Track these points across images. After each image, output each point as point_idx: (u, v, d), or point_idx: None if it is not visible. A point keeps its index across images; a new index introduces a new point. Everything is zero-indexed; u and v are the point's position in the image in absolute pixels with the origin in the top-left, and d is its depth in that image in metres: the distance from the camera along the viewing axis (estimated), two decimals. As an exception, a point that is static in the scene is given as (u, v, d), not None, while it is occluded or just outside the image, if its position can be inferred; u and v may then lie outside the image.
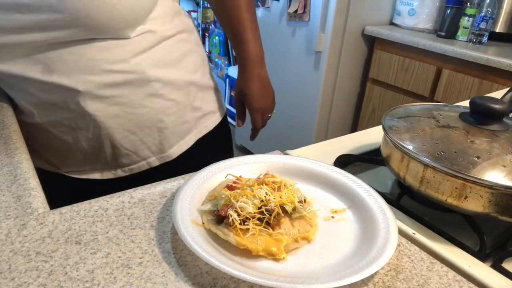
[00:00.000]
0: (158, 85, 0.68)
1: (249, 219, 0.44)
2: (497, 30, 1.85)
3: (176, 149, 0.76)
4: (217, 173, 0.54)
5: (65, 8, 0.55)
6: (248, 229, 0.43)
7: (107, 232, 0.44)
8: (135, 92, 0.66)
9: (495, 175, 0.48)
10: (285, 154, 0.64)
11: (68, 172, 0.76)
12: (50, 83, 0.61)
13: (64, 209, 0.47)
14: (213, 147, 0.84)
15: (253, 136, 0.98)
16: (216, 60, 3.32)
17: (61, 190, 0.73)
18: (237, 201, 0.44)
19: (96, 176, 0.76)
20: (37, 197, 0.49)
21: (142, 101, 0.68)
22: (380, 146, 0.64)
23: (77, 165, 0.75)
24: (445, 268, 0.44)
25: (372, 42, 2.07)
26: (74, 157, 0.73)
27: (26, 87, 0.64)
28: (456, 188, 0.50)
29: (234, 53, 0.92)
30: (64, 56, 0.60)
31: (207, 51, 3.38)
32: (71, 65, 0.60)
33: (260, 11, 2.26)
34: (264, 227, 0.44)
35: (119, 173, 0.75)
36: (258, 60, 0.85)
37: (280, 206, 0.45)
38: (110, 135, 0.68)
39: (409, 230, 0.49)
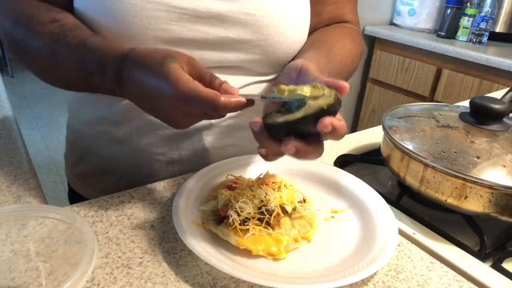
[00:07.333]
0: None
1: (249, 219, 0.44)
2: (497, 30, 1.85)
3: None
4: (217, 173, 0.54)
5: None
6: (248, 229, 0.43)
7: (107, 232, 0.44)
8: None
9: (495, 175, 0.48)
10: (285, 154, 0.64)
11: None
12: None
13: (64, 209, 0.47)
14: None
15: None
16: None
17: None
18: (237, 202, 0.44)
19: None
20: (37, 197, 0.49)
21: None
22: (380, 146, 0.64)
23: None
24: (445, 268, 0.44)
25: (372, 42, 2.07)
26: None
27: None
28: (456, 188, 0.50)
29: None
30: None
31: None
32: None
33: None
34: (264, 227, 0.44)
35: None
36: None
37: (280, 206, 0.45)
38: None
39: (409, 230, 0.49)
